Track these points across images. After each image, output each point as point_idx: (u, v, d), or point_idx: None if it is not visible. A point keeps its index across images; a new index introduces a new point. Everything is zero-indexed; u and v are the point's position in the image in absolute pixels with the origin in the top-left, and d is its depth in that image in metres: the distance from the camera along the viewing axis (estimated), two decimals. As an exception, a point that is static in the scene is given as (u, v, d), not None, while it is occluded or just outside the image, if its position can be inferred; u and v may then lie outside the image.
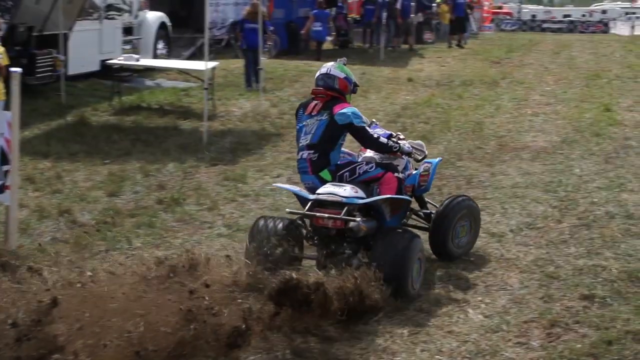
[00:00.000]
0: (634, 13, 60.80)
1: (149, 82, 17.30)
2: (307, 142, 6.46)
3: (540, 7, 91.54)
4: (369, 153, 6.82)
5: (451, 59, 23.63)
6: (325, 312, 5.33)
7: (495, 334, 5.49)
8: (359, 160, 6.74)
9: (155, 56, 18.61)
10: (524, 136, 12.31)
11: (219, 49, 21.86)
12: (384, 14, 24.91)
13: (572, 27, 58.71)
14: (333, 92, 6.53)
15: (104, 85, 15.66)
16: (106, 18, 16.62)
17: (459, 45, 27.29)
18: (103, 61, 15.92)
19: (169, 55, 19.37)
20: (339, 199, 6.10)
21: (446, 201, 6.95)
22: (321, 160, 6.42)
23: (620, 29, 53.25)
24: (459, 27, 28.36)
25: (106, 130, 12.33)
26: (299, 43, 23.91)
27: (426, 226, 6.99)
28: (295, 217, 6.36)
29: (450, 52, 25.65)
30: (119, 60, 15.21)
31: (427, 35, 30.66)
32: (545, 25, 59.29)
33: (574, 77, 19.26)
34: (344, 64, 6.72)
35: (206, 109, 12.14)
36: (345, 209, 6.05)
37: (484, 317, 5.71)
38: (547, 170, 10.12)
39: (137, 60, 15.12)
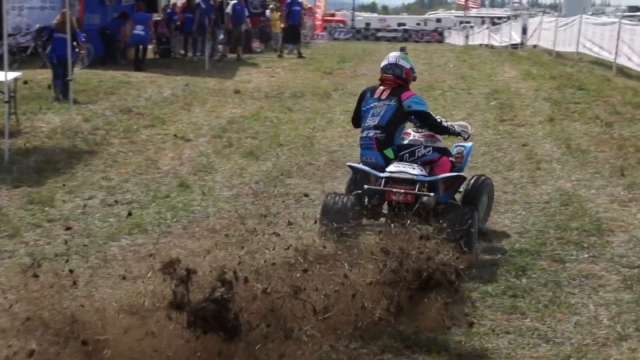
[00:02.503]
0: (468, 22, 63.79)
1: (-59, 95, 16.43)
2: (375, 122, 7.78)
3: (375, 15, 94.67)
4: (412, 136, 8.08)
5: (281, 69, 23.89)
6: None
7: (326, 364, 5.52)
8: (405, 142, 7.97)
9: (-52, 65, 17.71)
10: (356, 151, 12.43)
11: (24, 58, 21.12)
12: (207, 21, 24.91)
13: (407, 36, 60.86)
14: (400, 80, 7.87)
15: None
16: None
17: (300, 56, 27.49)
18: None
19: (-35, 65, 18.48)
20: (411, 176, 7.39)
21: (472, 180, 8.27)
22: (386, 139, 7.73)
23: (455, 38, 55.74)
24: (292, 36, 28.56)
25: None
26: (115, 51, 23.42)
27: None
28: (361, 192, 7.46)
29: (280, 62, 25.93)
30: None
31: (256, 44, 30.87)
32: (379, 34, 61.18)
33: (407, 89, 19.77)
34: (406, 54, 8.14)
35: (7, 124, 11.74)
36: (418, 185, 7.28)
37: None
38: (379, 187, 10.32)
39: None
